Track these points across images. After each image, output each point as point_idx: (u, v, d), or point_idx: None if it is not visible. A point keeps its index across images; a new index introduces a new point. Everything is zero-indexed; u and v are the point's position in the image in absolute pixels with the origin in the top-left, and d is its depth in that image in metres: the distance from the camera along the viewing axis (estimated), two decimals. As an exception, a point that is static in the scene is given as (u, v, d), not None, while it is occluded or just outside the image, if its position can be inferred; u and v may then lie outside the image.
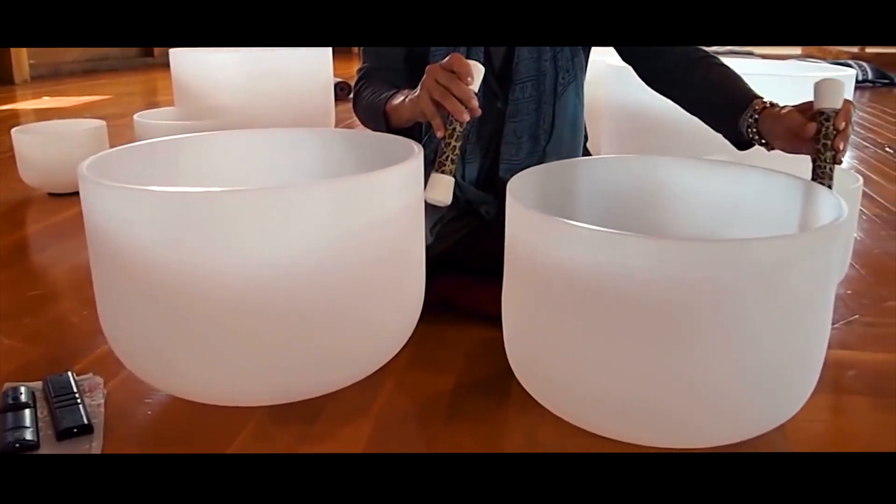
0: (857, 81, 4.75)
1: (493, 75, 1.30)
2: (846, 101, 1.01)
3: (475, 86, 1.02)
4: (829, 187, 0.98)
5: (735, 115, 1.15)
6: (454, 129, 1.02)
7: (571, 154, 1.34)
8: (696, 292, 0.77)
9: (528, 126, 1.30)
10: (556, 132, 1.30)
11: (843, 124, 1.00)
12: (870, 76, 4.87)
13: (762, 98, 1.14)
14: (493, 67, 1.30)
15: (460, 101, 1.01)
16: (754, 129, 1.12)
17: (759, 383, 0.82)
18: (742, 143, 1.19)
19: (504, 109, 1.30)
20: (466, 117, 1.01)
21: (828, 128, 1.00)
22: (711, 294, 0.77)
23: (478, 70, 1.02)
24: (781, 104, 1.11)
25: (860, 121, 3.56)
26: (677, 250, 0.78)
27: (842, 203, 0.88)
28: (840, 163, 1.00)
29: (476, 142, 1.31)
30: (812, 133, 1.01)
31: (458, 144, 1.03)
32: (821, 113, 1.01)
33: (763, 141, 1.12)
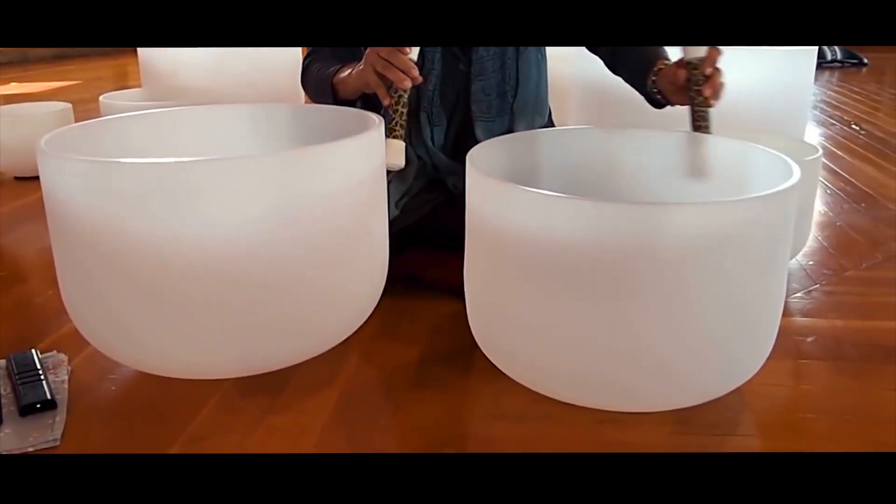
0: (826, 61, 4.84)
1: None
2: (712, 49, 1.07)
3: (413, 55, 1.11)
4: (708, 131, 1.08)
5: (646, 76, 1.22)
6: (400, 96, 1.12)
7: (537, 112, 1.39)
8: (636, 256, 0.78)
9: (495, 83, 1.33)
10: (521, 88, 1.34)
11: (710, 70, 1.07)
12: (839, 56, 4.92)
13: (667, 59, 1.22)
14: None
15: (401, 70, 1.09)
16: (656, 89, 1.20)
17: (705, 350, 0.83)
18: (654, 102, 1.25)
19: (467, 71, 1.33)
20: (408, 84, 1.10)
21: (696, 76, 1.08)
22: (651, 259, 0.78)
23: None
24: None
25: (828, 99, 3.60)
26: (611, 213, 0.79)
27: (795, 171, 0.89)
28: (711, 106, 1.08)
29: (440, 105, 1.33)
30: (682, 80, 1.09)
31: (405, 111, 1.13)
32: (689, 63, 1.09)
33: (666, 99, 1.20)
